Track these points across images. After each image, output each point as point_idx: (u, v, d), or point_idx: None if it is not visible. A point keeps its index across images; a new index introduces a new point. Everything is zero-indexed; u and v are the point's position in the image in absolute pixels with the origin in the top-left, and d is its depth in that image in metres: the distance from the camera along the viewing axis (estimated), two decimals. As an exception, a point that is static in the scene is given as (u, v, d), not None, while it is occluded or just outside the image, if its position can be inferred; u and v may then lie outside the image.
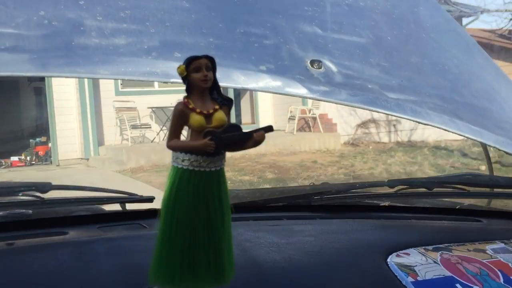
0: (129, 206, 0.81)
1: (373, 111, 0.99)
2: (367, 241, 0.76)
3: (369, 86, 1.02)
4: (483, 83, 1.23)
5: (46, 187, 0.77)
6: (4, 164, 10.14)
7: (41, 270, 0.58)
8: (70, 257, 0.63)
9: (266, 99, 13.41)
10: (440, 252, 0.75)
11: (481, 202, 1.15)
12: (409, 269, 0.69)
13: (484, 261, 0.74)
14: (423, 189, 0.99)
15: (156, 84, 10.24)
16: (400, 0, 1.40)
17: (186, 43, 0.93)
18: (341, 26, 1.16)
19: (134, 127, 10.30)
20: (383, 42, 1.19)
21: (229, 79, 0.90)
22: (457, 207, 1.00)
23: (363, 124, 12.71)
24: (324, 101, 0.99)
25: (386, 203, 0.99)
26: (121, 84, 10.40)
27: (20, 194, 0.77)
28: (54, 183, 0.79)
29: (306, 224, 0.83)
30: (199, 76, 0.46)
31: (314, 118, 12.27)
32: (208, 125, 0.47)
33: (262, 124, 14.02)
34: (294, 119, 12.03)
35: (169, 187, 0.48)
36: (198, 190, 0.48)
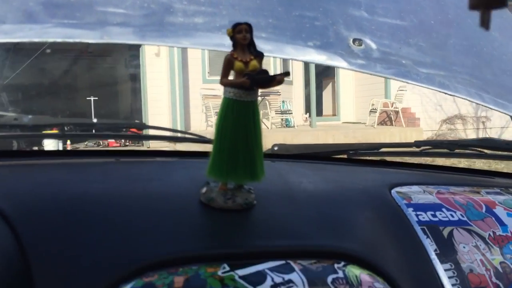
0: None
1: (402, 81, 1.17)
2: (381, 180, 0.96)
3: (403, 62, 1.19)
4: (519, 63, 1.35)
5: (142, 126, 1.04)
6: (102, 144, 11.10)
7: (139, 174, 0.85)
8: (159, 168, 0.90)
9: (348, 91, 13.39)
10: (438, 189, 0.93)
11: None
12: (406, 196, 0.88)
13: (473, 197, 0.91)
14: (445, 150, 1.16)
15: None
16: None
17: (249, 22, 1.16)
18: (387, 11, 1.33)
19: (216, 115, 10.78)
20: (425, 25, 1.35)
21: (281, 51, 1.13)
22: (476, 168, 1.15)
23: (449, 120, 12.27)
24: (359, 71, 1.18)
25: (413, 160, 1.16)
26: (208, 72, 10.94)
27: (123, 130, 1.05)
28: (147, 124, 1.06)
29: (336, 166, 1.04)
30: (240, 36, 0.70)
31: (397, 112, 12.06)
32: (246, 69, 0.70)
33: (343, 116, 13.86)
34: (376, 112, 11.91)
35: (220, 111, 0.72)
36: (239, 114, 0.71)
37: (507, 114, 1.17)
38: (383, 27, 1.29)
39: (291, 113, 11.97)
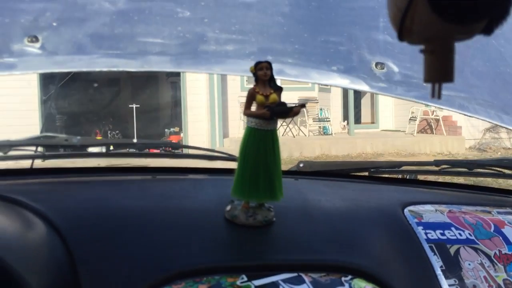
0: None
1: (423, 104, 1.23)
2: (396, 198, 1.02)
3: (424, 84, 1.25)
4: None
5: (177, 145, 1.14)
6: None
7: (173, 191, 0.96)
8: (190, 186, 1.00)
9: (387, 99, 13.26)
10: (450, 208, 0.99)
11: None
12: (417, 214, 0.94)
13: (484, 216, 0.96)
14: (464, 169, 1.21)
15: (279, 81, 10.71)
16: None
17: (277, 49, 1.25)
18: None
19: (256, 121, 10.91)
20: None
21: (306, 76, 1.22)
22: (495, 187, 1.19)
23: (493, 128, 11.95)
24: (381, 94, 1.25)
25: (432, 179, 1.22)
26: (246, 80, 11.10)
27: (160, 149, 1.17)
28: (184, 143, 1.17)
29: (354, 184, 1.11)
30: (261, 73, 0.79)
31: (437, 120, 11.86)
32: (267, 102, 0.78)
33: (382, 124, 13.69)
34: (415, 120, 11.75)
35: (243, 138, 0.81)
36: (259, 141, 0.80)
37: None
38: (405, 50, 1.35)
39: (329, 120, 11.97)
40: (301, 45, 1.28)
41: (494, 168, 1.18)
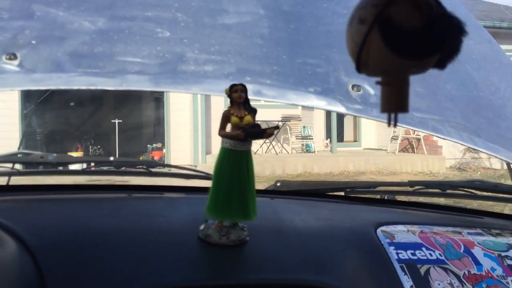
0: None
1: (397, 126, 1.25)
2: (369, 219, 1.04)
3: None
4: (513, 108, 1.42)
5: (153, 163, 1.16)
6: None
7: (148, 210, 0.96)
8: (166, 204, 1.00)
9: (369, 118, 13.39)
10: (422, 228, 1.01)
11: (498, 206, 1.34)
12: (390, 235, 0.96)
13: (454, 237, 0.98)
14: (437, 190, 1.23)
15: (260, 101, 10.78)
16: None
17: (255, 70, 1.27)
18: (387, 57, 1.42)
19: (239, 138, 10.94)
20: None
21: (283, 97, 1.24)
22: (468, 207, 1.22)
23: (473, 148, 12.12)
24: (356, 116, 1.27)
25: (406, 199, 1.24)
26: (230, 98, 11.12)
27: (137, 167, 1.17)
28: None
29: (329, 204, 1.13)
30: (236, 95, 0.80)
31: (419, 139, 12.03)
32: (241, 123, 0.80)
33: (364, 143, 13.84)
34: (397, 139, 11.90)
35: (217, 159, 0.82)
36: (234, 162, 0.81)
37: (498, 158, 1.24)
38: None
39: (312, 138, 12.04)
40: (279, 66, 1.30)
41: (466, 189, 1.20)
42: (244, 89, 0.80)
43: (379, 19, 0.37)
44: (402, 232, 0.97)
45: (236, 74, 1.24)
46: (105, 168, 1.13)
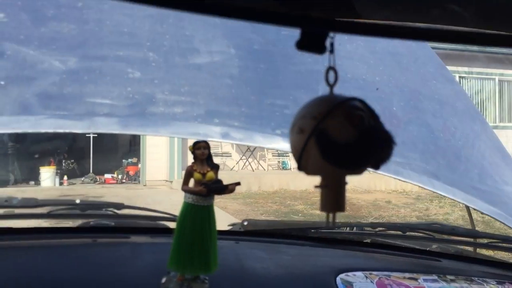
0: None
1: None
2: (330, 266, 1.07)
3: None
4: (473, 149, 1.48)
5: (120, 206, 1.17)
6: (98, 180, 11.20)
7: (111, 258, 0.97)
8: (130, 251, 1.01)
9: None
10: (379, 276, 1.04)
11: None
12: (348, 283, 0.99)
13: (410, 284, 1.02)
14: (399, 232, 1.27)
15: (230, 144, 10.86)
16: (416, 74, 1.69)
17: (224, 111, 1.30)
18: (353, 99, 1.47)
19: (215, 154, 10.94)
20: (387, 112, 1.48)
21: (251, 139, 1.27)
22: (427, 249, 1.26)
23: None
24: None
25: (368, 240, 1.28)
26: (207, 114, 11.12)
27: (103, 209, 1.18)
28: (126, 203, 1.20)
29: (292, 248, 1.15)
30: (199, 152, 0.83)
31: (392, 158, 12.17)
32: (204, 179, 0.82)
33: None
34: (371, 157, 12.02)
35: (180, 213, 0.84)
36: (196, 216, 0.83)
37: (457, 201, 1.29)
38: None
39: (288, 155, 12.10)
40: (247, 108, 1.33)
41: (425, 232, 1.24)
42: (207, 145, 0.83)
43: (316, 131, 0.40)
44: (361, 280, 1.00)
45: (204, 116, 1.27)
46: (71, 211, 1.14)
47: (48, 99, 1.15)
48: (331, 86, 0.47)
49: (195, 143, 0.84)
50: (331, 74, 0.45)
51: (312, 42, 0.42)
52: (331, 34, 0.42)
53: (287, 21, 0.39)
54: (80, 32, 1.26)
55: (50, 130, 1.10)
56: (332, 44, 0.43)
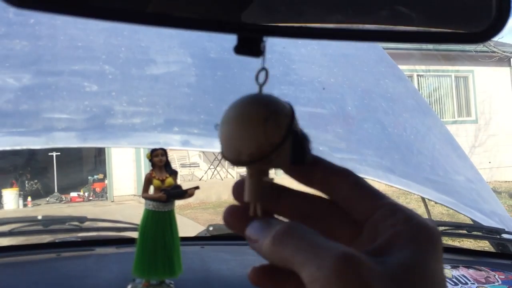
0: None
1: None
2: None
3: (320, 148, 1.37)
4: (424, 142, 1.55)
5: (83, 219, 1.18)
6: (64, 199, 10.95)
7: (76, 270, 0.97)
8: (95, 263, 1.02)
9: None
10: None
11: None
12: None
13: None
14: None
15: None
16: (368, 74, 1.75)
17: (183, 120, 1.32)
18: (309, 101, 1.52)
19: (183, 165, 10.89)
20: (343, 112, 1.54)
21: (211, 145, 1.29)
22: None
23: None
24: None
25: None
26: (172, 125, 11.05)
27: (67, 224, 1.18)
28: (89, 217, 1.20)
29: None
30: (157, 159, 0.85)
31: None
32: (163, 186, 0.84)
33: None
34: (338, 159, 12.20)
35: (142, 220, 0.86)
36: (157, 222, 0.85)
37: (411, 193, 1.34)
38: (305, 116, 1.47)
39: (256, 162, 12.15)
40: (206, 115, 1.36)
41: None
42: (164, 153, 0.85)
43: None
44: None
45: (164, 125, 1.29)
46: (34, 228, 1.13)
47: (4, 117, 1.15)
48: (261, 86, 0.50)
49: (152, 151, 0.86)
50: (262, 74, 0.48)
51: (248, 47, 0.45)
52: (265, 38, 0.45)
53: (223, 28, 0.42)
54: (33, 49, 1.26)
55: (8, 148, 1.10)
56: (264, 47, 0.46)
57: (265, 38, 0.48)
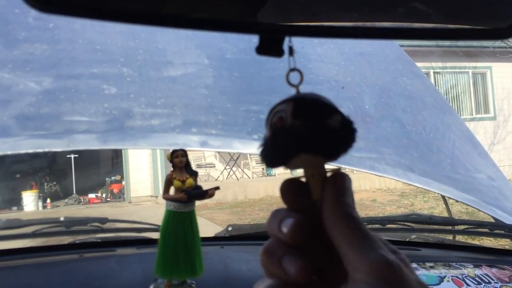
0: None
1: (336, 166, 1.33)
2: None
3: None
4: (444, 140, 1.53)
5: (104, 220, 1.19)
6: (82, 201, 11.07)
7: (99, 271, 0.98)
8: (117, 263, 1.03)
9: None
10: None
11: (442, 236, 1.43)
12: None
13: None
14: (378, 225, 1.31)
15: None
16: (385, 72, 1.74)
17: (201, 121, 1.33)
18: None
19: (199, 166, 10.94)
20: (360, 110, 1.53)
21: (229, 146, 1.29)
22: (407, 239, 1.30)
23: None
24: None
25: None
26: (188, 126, 11.10)
27: (88, 225, 1.19)
28: (110, 218, 1.22)
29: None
30: (177, 160, 0.86)
31: (374, 157, 12.29)
32: (183, 186, 0.85)
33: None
34: (354, 158, 12.12)
35: (163, 221, 0.87)
36: (178, 223, 0.86)
37: (432, 191, 1.33)
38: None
39: (272, 162, 12.14)
40: (224, 115, 1.36)
41: (404, 223, 1.28)
42: (184, 154, 0.86)
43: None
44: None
45: (182, 126, 1.29)
46: (56, 229, 1.15)
47: (26, 120, 1.16)
48: (297, 87, 0.50)
49: (173, 152, 0.87)
50: (295, 75, 0.48)
51: (271, 47, 0.45)
52: (289, 38, 0.45)
53: (245, 29, 0.42)
54: (53, 53, 1.28)
55: (30, 151, 1.12)
56: (291, 47, 0.46)
57: (291, 39, 0.48)
